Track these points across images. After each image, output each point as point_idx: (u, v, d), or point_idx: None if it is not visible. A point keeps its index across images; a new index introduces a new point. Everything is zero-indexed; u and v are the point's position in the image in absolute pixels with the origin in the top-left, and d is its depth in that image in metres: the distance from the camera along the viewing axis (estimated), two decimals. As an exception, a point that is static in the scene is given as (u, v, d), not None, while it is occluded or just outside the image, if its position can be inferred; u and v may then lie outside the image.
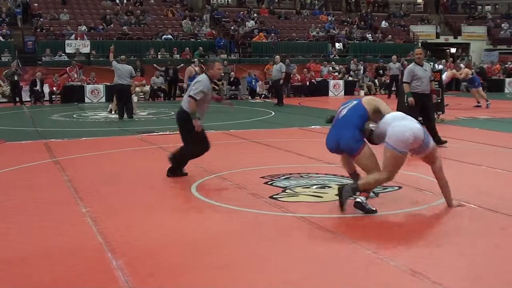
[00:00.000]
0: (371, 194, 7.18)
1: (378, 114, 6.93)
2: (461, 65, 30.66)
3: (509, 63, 36.64)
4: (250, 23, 36.49)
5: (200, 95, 8.72)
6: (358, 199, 6.73)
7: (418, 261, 5.18)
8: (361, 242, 5.68)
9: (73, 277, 4.89)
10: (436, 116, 17.08)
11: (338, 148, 7.08)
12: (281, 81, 24.38)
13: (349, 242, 5.72)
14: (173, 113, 19.81)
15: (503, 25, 44.27)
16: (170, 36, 32.79)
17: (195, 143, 8.99)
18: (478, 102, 21.64)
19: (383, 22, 41.75)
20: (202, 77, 9.07)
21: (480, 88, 21.93)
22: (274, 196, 7.58)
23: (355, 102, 7.14)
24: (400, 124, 6.65)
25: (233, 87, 28.00)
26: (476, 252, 5.54)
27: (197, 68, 21.29)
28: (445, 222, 6.59)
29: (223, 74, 27.81)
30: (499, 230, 6.35)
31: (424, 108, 11.92)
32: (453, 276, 4.89)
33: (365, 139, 6.94)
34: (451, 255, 5.48)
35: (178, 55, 31.04)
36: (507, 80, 33.72)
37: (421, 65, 12.00)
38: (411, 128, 6.60)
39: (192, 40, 33.52)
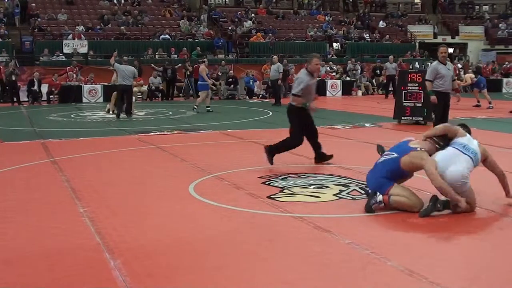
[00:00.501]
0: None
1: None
2: (461, 74, 30.56)
3: (506, 63, 36.73)
4: (248, 23, 36.52)
5: (301, 91, 9.86)
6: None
7: (416, 261, 5.19)
8: (359, 242, 5.69)
9: (71, 277, 4.89)
10: (433, 115, 17.13)
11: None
12: (279, 81, 24.40)
13: (346, 242, 5.73)
14: (171, 113, 19.89)
15: (500, 25, 44.34)
16: (167, 36, 32.81)
17: (292, 135, 10.08)
18: (478, 102, 21.63)
19: (381, 22, 41.81)
20: (302, 72, 10.23)
21: (485, 90, 21.95)
22: (272, 196, 7.59)
23: (395, 155, 6.96)
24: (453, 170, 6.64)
25: (231, 86, 27.96)
26: (474, 252, 5.56)
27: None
28: (443, 222, 6.59)
29: (220, 74, 27.88)
30: (497, 230, 6.39)
31: (445, 107, 12.03)
32: (451, 276, 4.90)
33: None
34: (449, 255, 5.49)
35: (175, 55, 31.05)
36: (505, 80, 33.79)
37: (444, 64, 11.98)
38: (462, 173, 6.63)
39: (190, 40, 33.55)
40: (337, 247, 5.66)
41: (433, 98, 11.90)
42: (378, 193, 6.87)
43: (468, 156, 6.73)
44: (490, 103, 21.70)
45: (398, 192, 6.78)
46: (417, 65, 19.04)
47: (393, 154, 6.98)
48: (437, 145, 7.00)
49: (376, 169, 7.08)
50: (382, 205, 6.82)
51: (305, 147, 11.84)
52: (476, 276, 4.93)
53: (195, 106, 20.39)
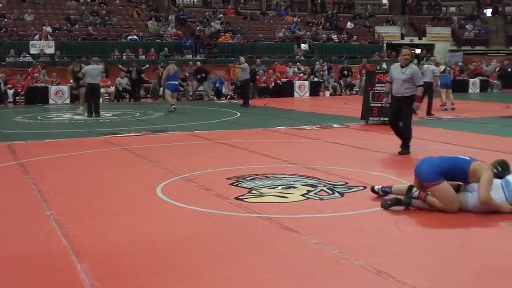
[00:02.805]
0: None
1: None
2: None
3: (473, 63, 37.16)
4: (216, 24, 36.45)
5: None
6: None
7: (384, 261, 5.23)
8: (327, 242, 5.71)
9: (37, 280, 4.85)
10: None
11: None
12: (239, 82, 24.47)
13: (314, 242, 5.74)
14: (138, 114, 19.79)
15: (467, 26, 44.89)
16: (135, 37, 32.63)
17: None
18: (445, 104, 21.73)
19: (349, 23, 42.04)
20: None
21: (450, 90, 22.06)
22: (240, 197, 7.59)
23: (467, 158, 7.15)
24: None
25: (202, 81, 27.51)
26: (442, 252, 5.59)
27: (175, 67, 21.84)
28: (411, 222, 6.66)
29: (187, 75, 27.78)
30: (465, 230, 6.46)
31: (397, 111, 11.40)
32: (418, 276, 4.94)
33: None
34: (417, 255, 5.55)
35: (143, 56, 30.87)
36: (471, 80, 34.17)
37: (402, 66, 11.23)
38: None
39: (158, 40, 33.39)
40: (305, 247, 5.67)
41: (385, 100, 11.91)
42: (414, 189, 7.00)
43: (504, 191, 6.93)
44: (452, 104, 21.78)
45: (445, 189, 6.91)
46: (384, 65, 19.22)
47: (465, 157, 7.19)
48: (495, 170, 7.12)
49: (439, 159, 7.15)
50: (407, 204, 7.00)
51: (274, 148, 11.88)
52: (444, 277, 4.97)
53: (172, 108, 20.36)
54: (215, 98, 27.82)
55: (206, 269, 5.08)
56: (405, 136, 11.38)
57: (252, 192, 7.92)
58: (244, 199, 7.50)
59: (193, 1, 41.59)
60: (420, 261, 5.36)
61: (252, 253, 5.47)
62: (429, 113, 19.17)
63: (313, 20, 41.96)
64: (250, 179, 8.72)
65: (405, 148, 11.25)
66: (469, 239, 6.13)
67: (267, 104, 24.96)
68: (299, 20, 40.65)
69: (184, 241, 5.87)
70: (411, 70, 11.18)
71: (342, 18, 43.33)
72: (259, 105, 24.34)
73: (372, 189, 7.60)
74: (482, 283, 4.88)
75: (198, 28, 35.68)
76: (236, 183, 8.46)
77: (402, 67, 11.28)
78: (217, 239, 5.95)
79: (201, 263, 5.23)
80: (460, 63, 37.19)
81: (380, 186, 7.60)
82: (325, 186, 8.27)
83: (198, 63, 28.22)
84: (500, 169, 7.08)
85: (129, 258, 5.35)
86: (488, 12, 49.01)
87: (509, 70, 36.03)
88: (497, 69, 36.14)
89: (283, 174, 9.14)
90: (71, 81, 21.62)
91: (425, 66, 21.12)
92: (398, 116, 11.44)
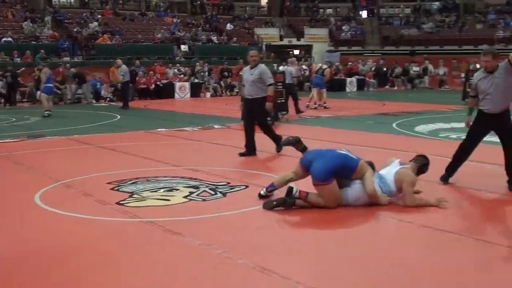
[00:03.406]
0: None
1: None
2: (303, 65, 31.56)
3: (349, 63, 38.29)
4: (94, 25, 35.71)
5: None
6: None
7: (267, 258, 5.30)
8: (210, 243, 5.72)
9: None
10: (280, 116, 17.57)
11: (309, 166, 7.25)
12: (120, 85, 24.19)
13: (197, 244, 5.73)
14: (14, 119, 19.08)
15: (344, 27, 46.21)
16: (10, 39, 31.38)
17: None
18: (325, 103, 22.18)
19: (228, 24, 42.28)
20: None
21: (324, 90, 22.51)
22: (121, 202, 7.45)
23: (355, 157, 7.35)
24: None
25: (80, 84, 26.88)
26: (323, 246, 5.75)
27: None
28: (293, 219, 6.77)
29: (66, 77, 27.09)
30: (345, 224, 6.66)
31: (249, 113, 11.40)
32: (302, 271, 5.04)
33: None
34: (299, 250, 5.66)
35: (18, 59, 29.77)
36: (348, 79, 35.19)
37: (251, 68, 11.24)
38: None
39: (34, 42, 32.25)
40: (189, 249, 5.65)
41: (240, 104, 12.01)
42: (294, 189, 7.07)
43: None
44: (324, 103, 22.25)
45: (333, 189, 7.07)
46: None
47: (353, 155, 7.38)
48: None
49: (331, 158, 7.21)
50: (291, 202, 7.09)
51: (155, 150, 11.79)
52: (326, 269, 5.11)
53: (46, 113, 19.74)
54: (94, 101, 27.22)
55: (85, 279, 4.95)
56: (271, 137, 11.46)
57: (133, 196, 7.80)
58: (126, 204, 7.38)
59: (70, 2, 40.55)
60: (302, 256, 5.48)
61: (135, 259, 5.38)
62: (298, 111, 19.55)
63: (193, 21, 41.93)
64: (131, 183, 8.59)
65: (278, 146, 11.28)
66: (352, 234, 6.32)
67: (147, 106, 24.71)
68: (178, 21, 40.51)
69: (63, 250, 5.67)
70: (259, 70, 11.15)
71: (221, 20, 43.53)
72: (140, 107, 24.05)
73: (260, 195, 7.63)
74: (361, 273, 5.02)
75: (75, 29, 34.81)
76: (117, 188, 8.31)
77: (251, 68, 11.29)
78: (98, 246, 5.80)
79: (81, 273, 5.08)
80: (337, 63, 38.21)
81: (264, 189, 7.66)
82: (207, 187, 8.27)
83: (73, 69, 27.52)
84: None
85: (7, 271, 5.14)
86: (364, 13, 50.68)
87: (384, 69, 37.42)
88: (373, 68, 37.49)
89: (165, 176, 9.07)
90: None
91: (280, 67, 21.61)
92: (251, 119, 11.38)
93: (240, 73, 11.65)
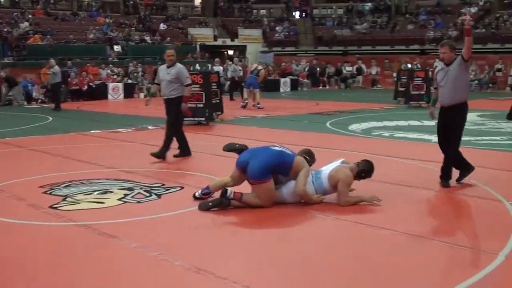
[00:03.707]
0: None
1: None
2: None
3: (283, 64, 38.56)
4: (25, 25, 34.94)
5: None
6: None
7: (203, 259, 5.30)
8: (146, 245, 5.69)
9: None
10: (215, 116, 17.57)
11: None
12: (50, 86, 23.82)
13: (133, 246, 5.69)
14: None
15: (277, 28, 46.47)
16: None
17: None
18: (258, 103, 22.21)
19: (162, 24, 42.03)
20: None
21: (257, 90, 22.55)
22: (54, 206, 7.31)
23: (291, 153, 7.43)
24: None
25: (11, 86, 26.26)
26: (259, 245, 5.81)
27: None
28: (228, 220, 6.80)
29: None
30: (280, 223, 6.72)
31: (168, 113, 11.23)
32: (237, 270, 5.09)
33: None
34: (235, 250, 5.70)
35: None
36: (282, 80, 35.43)
37: (168, 67, 11.11)
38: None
39: (-39, 43, 31.46)
40: (125, 252, 5.61)
41: (146, 99, 12.00)
42: (228, 191, 7.08)
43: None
44: (258, 103, 22.22)
45: (270, 187, 7.12)
46: (197, 67, 19.46)
47: (288, 150, 7.46)
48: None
49: (267, 156, 7.24)
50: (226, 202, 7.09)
51: (88, 152, 11.63)
52: (261, 267, 5.17)
53: None
54: (26, 103, 26.65)
55: (18, 285, 4.85)
56: (178, 141, 11.15)
57: (67, 199, 7.67)
58: (59, 208, 7.25)
59: (0, 2, 39.64)
60: (239, 255, 5.52)
61: (69, 264, 5.29)
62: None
63: (126, 21, 41.50)
64: (65, 186, 8.45)
65: (182, 152, 11.08)
66: (284, 231, 6.43)
67: (80, 107, 24.33)
68: (111, 21, 40.03)
69: (-5, 254, 5.57)
70: (176, 70, 11.00)
71: (155, 20, 43.24)
72: (72, 108, 23.65)
73: (194, 197, 7.62)
74: (297, 271, 5.09)
75: (5, 30, 33.98)
76: (50, 191, 8.15)
77: (168, 67, 11.13)
78: (32, 252, 5.67)
79: (13, 279, 4.97)
80: (271, 63, 38.44)
81: (199, 191, 7.64)
82: (142, 188, 8.21)
83: (2, 73, 26.85)
84: (309, 158, 7.60)
85: None
86: (297, 14, 51.10)
87: (318, 69, 37.82)
88: (306, 68, 37.84)
89: (99, 179, 8.95)
90: None
91: (215, 67, 21.68)
92: (168, 121, 11.22)
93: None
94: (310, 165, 7.56)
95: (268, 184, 7.09)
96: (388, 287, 4.76)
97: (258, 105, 22.11)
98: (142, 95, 30.06)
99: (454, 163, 8.37)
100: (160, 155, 10.74)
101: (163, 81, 11.11)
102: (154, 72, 31.88)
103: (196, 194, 7.63)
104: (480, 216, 7.14)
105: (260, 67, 23.44)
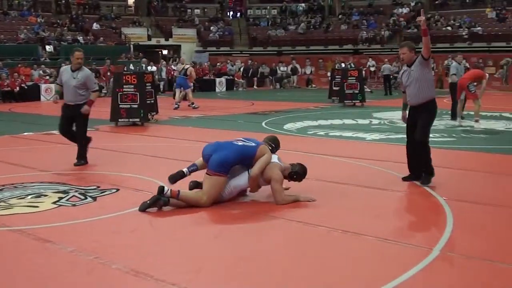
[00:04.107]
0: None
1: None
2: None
3: (218, 64, 38.58)
4: (-49, 25, 34.09)
5: None
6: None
7: (141, 261, 5.29)
8: (82, 249, 5.63)
9: None
10: (150, 116, 17.46)
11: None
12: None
13: (69, 250, 5.62)
14: None
15: (211, 28, 46.41)
16: None
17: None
18: (193, 103, 22.13)
19: (94, 24, 41.49)
20: None
21: (189, 90, 22.45)
22: (-14, 211, 7.17)
23: (253, 144, 7.53)
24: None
25: None
26: (197, 245, 5.82)
27: None
28: (165, 220, 6.79)
29: None
30: (219, 222, 6.75)
31: (72, 120, 10.46)
32: (176, 271, 5.08)
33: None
34: (173, 250, 5.70)
35: None
36: (218, 80, 35.46)
37: (74, 70, 10.26)
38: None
39: None
40: (60, 256, 5.53)
41: (53, 98, 11.75)
42: (165, 189, 7.03)
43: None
44: (192, 103, 22.11)
45: (220, 183, 7.20)
46: (131, 67, 19.22)
47: (251, 142, 7.54)
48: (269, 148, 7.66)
49: (230, 151, 7.32)
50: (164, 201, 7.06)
51: (22, 155, 11.41)
52: (200, 267, 5.18)
53: None
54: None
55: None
56: (79, 145, 10.52)
57: (-1, 204, 7.53)
58: (-9, 212, 7.11)
59: None
60: (177, 257, 5.52)
61: (4, 271, 5.19)
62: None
63: (58, 21, 40.81)
64: (-3, 190, 8.29)
65: (81, 158, 10.41)
66: (222, 230, 6.46)
67: (12, 109, 23.81)
68: (43, 20, 39.34)
69: None
70: (83, 74, 10.25)
71: (87, 19, 42.65)
72: (4, 110, 23.12)
73: (175, 177, 7.60)
74: (235, 270, 5.14)
75: None
76: (-19, 195, 7.99)
77: (73, 70, 10.30)
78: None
79: None
80: (206, 63, 38.40)
81: (186, 168, 7.65)
82: (76, 191, 8.11)
83: None
84: (274, 145, 7.77)
85: None
86: (231, 14, 51.15)
87: (252, 69, 37.98)
88: (241, 68, 37.96)
89: (33, 182, 8.79)
90: None
91: (149, 68, 21.53)
92: (69, 127, 10.53)
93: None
94: (275, 152, 7.71)
95: (221, 179, 7.17)
96: (321, 283, 4.83)
97: (193, 105, 22.01)
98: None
99: (425, 163, 8.49)
100: (83, 161, 10.36)
101: (67, 85, 10.25)
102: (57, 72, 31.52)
103: (184, 170, 7.61)
104: (415, 212, 7.36)
105: (187, 66, 23.24)
